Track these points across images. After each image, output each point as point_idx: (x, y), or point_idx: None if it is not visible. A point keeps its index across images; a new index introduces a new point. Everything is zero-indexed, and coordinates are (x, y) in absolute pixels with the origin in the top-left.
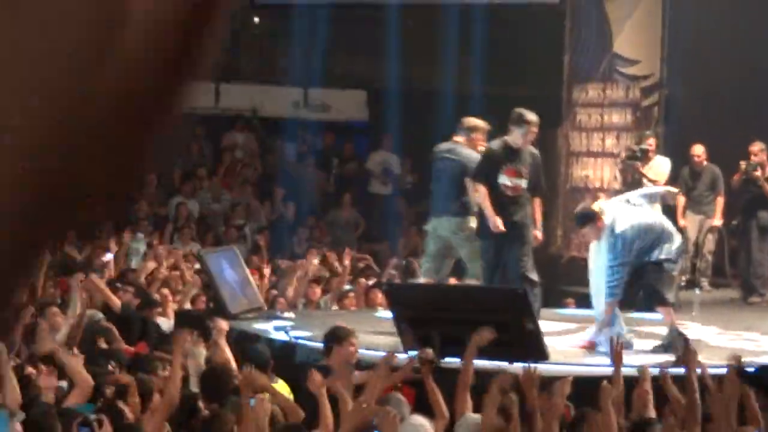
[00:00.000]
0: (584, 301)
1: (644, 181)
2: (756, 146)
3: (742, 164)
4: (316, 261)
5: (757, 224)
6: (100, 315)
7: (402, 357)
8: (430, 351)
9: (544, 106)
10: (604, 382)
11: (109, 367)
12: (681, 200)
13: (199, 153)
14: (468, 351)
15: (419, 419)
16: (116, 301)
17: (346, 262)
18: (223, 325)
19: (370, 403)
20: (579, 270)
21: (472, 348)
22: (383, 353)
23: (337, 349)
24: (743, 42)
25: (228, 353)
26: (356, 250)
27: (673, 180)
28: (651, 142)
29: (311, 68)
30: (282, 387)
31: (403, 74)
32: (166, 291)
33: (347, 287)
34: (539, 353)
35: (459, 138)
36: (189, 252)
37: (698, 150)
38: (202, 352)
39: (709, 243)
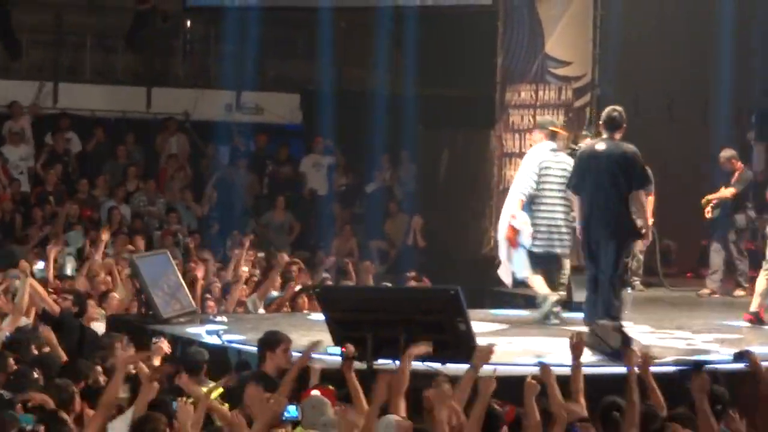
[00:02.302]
0: (516, 301)
1: None
2: (723, 154)
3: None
4: (246, 268)
5: (733, 225)
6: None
7: (336, 359)
8: (351, 347)
9: (477, 108)
10: (528, 379)
11: (35, 375)
12: None
13: (128, 157)
14: (404, 361)
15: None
16: (55, 307)
17: (282, 261)
18: (164, 346)
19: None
20: None
21: (409, 358)
22: (317, 356)
23: (270, 355)
24: (674, 41)
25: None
26: (290, 253)
27: None
28: (587, 142)
29: (244, 71)
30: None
31: (336, 76)
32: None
33: (275, 293)
34: (472, 354)
35: None
36: (123, 257)
37: None
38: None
39: (639, 243)
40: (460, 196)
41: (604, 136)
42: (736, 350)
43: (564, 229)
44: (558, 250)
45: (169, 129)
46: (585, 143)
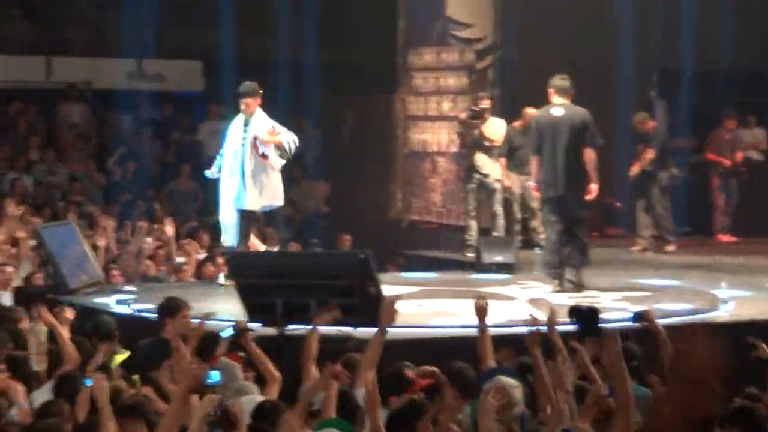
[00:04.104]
0: (425, 264)
1: (483, 141)
2: (636, 118)
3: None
4: (150, 239)
5: (658, 183)
6: None
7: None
8: (242, 321)
9: (380, 72)
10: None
11: None
12: (502, 160)
13: (28, 127)
14: (313, 327)
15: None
16: None
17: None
18: (69, 314)
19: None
20: (419, 233)
21: (318, 324)
22: (227, 322)
23: (170, 321)
24: (575, 4)
25: (67, 342)
26: (196, 222)
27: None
28: (486, 103)
29: (145, 39)
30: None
31: (238, 43)
32: (9, 268)
33: (180, 260)
34: None
35: None
36: (28, 228)
37: (532, 112)
38: (43, 329)
39: (537, 201)
40: (365, 161)
41: (560, 101)
42: (637, 309)
43: None
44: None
45: (70, 98)
46: (540, 110)
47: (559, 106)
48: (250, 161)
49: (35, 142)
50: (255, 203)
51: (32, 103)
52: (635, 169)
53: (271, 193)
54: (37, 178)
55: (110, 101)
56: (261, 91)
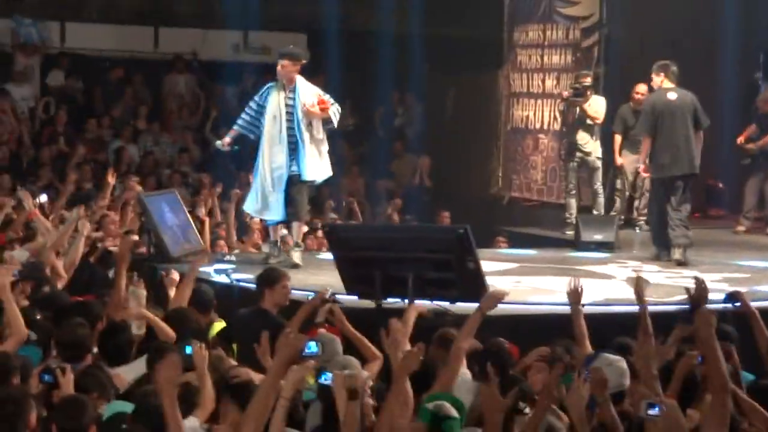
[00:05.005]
0: (524, 241)
1: (585, 118)
2: (761, 97)
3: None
4: None
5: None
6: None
7: (346, 298)
8: (327, 290)
9: (484, 48)
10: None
11: (37, 316)
12: (618, 139)
13: (135, 97)
14: (406, 315)
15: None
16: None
17: None
18: (174, 275)
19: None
20: (519, 211)
21: (412, 311)
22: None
23: (269, 292)
24: None
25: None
26: None
27: (611, 119)
28: (589, 80)
29: (250, 11)
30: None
31: (342, 16)
32: (134, 236)
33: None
34: (481, 292)
35: None
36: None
37: (641, 89)
38: (143, 293)
39: (647, 182)
40: (467, 136)
41: (670, 86)
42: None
43: None
44: None
45: (176, 69)
46: (654, 93)
47: (672, 90)
48: (306, 131)
49: (143, 111)
50: (316, 173)
51: (139, 72)
52: (753, 147)
53: (327, 163)
54: (143, 147)
55: (215, 72)
56: (304, 60)
